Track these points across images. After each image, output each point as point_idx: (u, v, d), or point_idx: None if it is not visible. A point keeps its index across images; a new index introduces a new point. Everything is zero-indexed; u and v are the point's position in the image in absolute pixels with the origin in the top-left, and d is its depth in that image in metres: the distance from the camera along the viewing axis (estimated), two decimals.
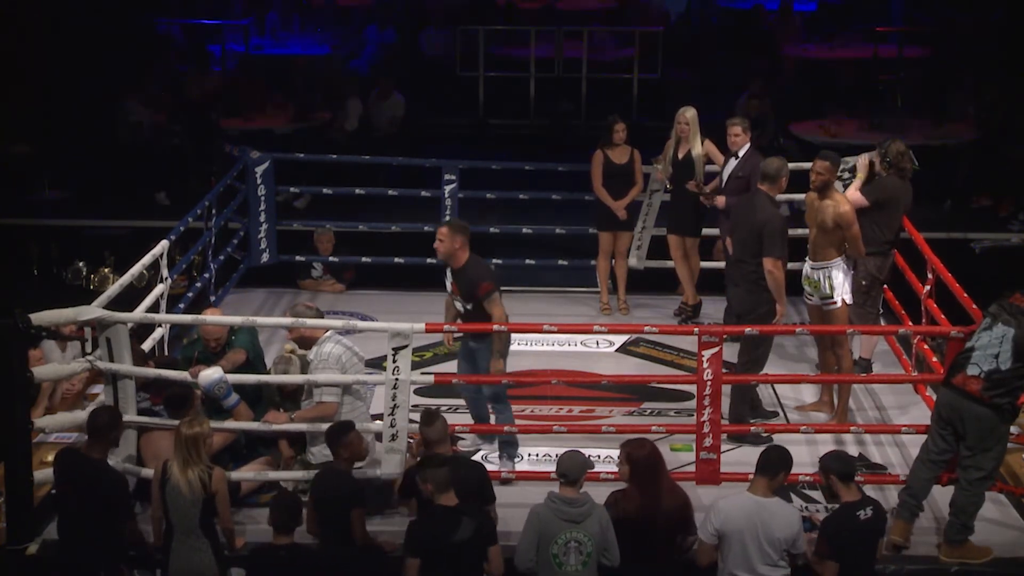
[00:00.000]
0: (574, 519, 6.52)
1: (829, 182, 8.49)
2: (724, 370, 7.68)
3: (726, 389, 7.98)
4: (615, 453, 6.93)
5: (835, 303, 8.49)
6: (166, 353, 8.83)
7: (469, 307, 7.87)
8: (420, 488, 6.69)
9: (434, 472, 6.58)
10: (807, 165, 10.75)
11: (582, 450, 6.87)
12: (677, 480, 7.02)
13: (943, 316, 8.25)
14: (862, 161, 9.01)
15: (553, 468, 6.76)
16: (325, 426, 7.33)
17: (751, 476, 6.82)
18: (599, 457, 7.89)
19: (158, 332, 8.62)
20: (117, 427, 7.17)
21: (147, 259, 8.72)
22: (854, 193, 8.79)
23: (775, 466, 6.73)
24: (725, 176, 9.73)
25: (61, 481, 6.99)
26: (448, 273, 8.01)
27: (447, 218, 11.08)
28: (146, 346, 8.38)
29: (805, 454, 8.10)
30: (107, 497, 6.86)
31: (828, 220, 8.42)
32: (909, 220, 9.29)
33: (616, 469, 6.97)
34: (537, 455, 8.15)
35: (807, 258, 8.68)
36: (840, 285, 8.46)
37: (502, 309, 7.84)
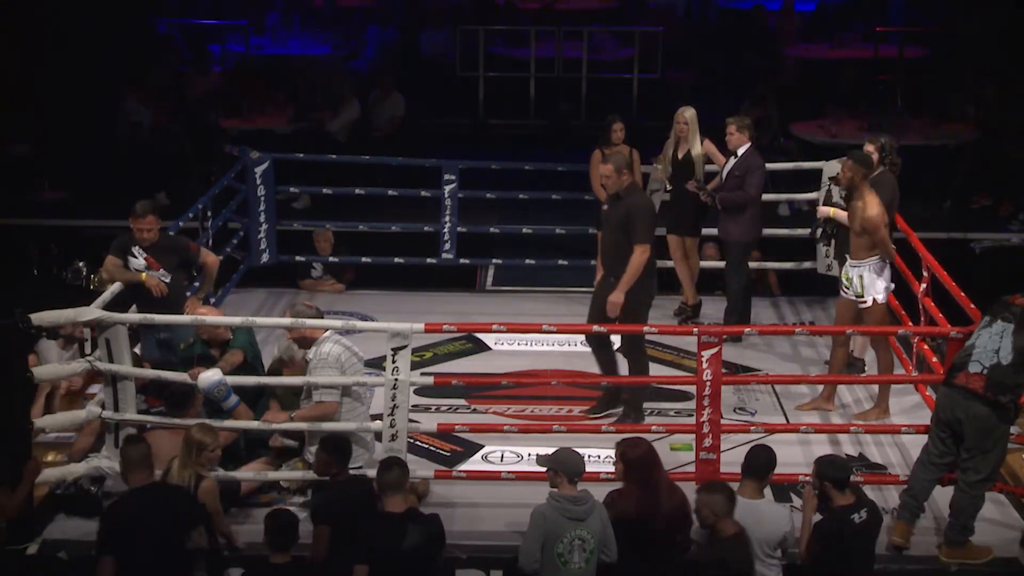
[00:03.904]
0: (579, 517, 6.50)
1: (853, 180, 8.40)
2: (724, 370, 7.68)
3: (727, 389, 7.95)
4: (614, 453, 6.92)
5: (865, 302, 8.51)
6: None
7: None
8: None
9: (381, 474, 6.53)
10: (807, 165, 10.78)
11: (580, 450, 6.86)
12: (676, 480, 7.01)
13: (941, 315, 8.25)
14: (845, 173, 8.66)
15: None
16: (325, 426, 7.35)
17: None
18: (598, 457, 7.88)
19: None
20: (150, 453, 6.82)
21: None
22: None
23: (764, 467, 6.73)
24: (724, 175, 9.74)
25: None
26: None
27: (446, 219, 11.11)
28: None
29: (804, 454, 8.10)
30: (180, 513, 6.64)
31: (856, 223, 8.42)
32: (903, 219, 9.30)
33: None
34: (537, 455, 8.12)
35: (847, 255, 8.68)
36: (870, 285, 8.46)
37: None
